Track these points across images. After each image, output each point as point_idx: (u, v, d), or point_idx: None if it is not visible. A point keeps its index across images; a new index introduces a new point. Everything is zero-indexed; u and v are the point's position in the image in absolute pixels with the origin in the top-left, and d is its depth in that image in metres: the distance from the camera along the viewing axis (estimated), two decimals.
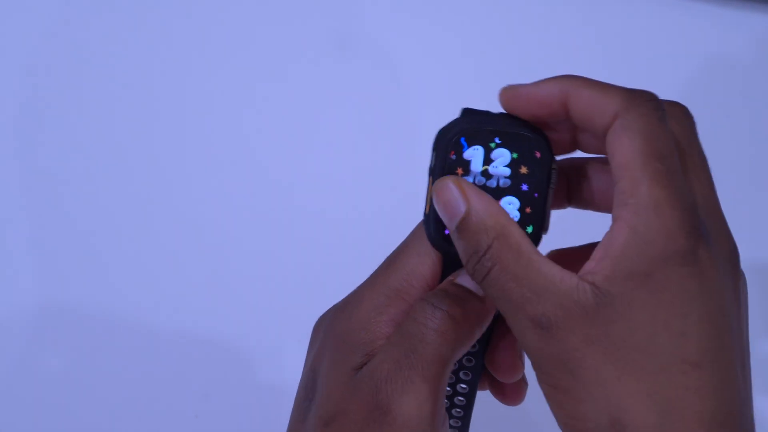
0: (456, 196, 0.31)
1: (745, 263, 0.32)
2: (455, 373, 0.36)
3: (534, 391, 0.38)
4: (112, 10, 0.62)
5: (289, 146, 0.60)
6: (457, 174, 0.33)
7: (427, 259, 0.34)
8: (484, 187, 0.33)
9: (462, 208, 0.31)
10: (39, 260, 0.56)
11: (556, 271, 0.30)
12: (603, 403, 0.29)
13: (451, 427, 0.38)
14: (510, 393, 0.37)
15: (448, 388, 0.37)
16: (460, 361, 0.36)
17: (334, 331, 0.35)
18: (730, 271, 0.31)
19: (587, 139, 0.35)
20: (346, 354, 0.34)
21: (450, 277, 0.34)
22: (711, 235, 0.30)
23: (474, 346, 0.36)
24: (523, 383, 0.37)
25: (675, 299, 0.28)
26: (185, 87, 0.60)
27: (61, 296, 0.55)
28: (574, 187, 0.36)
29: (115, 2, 0.62)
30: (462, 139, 0.33)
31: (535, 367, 0.31)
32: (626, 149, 0.30)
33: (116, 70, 0.60)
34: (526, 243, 0.31)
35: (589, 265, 0.30)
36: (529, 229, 0.33)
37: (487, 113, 0.33)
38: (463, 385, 0.37)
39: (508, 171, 0.33)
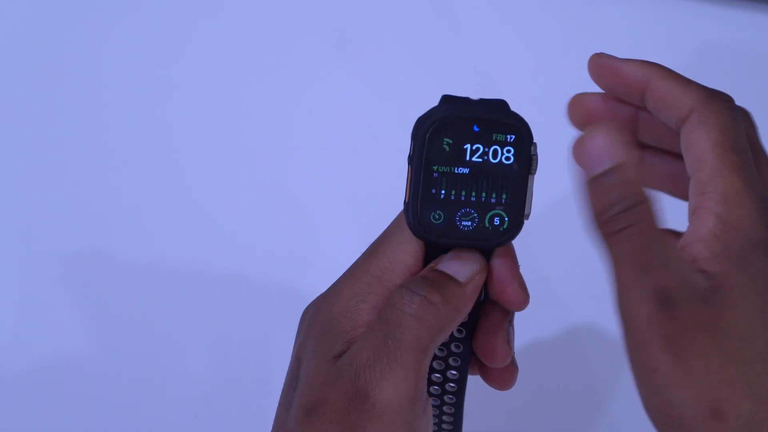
0: (608, 145, 0.31)
1: None
2: (444, 359, 0.37)
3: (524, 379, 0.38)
4: (110, 4, 0.62)
5: (287, 145, 0.60)
6: (436, 164, 0.33)
7: (408, 247, 0.35)
8: (464, 176, 0.33)
9: (611, 158, 0.31)
10: (37, 260, 0.57)
11: (677, 249, 0.30)
12: (705, 391, 0.28)
13: (444, 413, 0.38)
14: (499, 377, 0.37)
15: (438, 375, 0.37)
16: (447, 347, 0.36)
17: (317, 319, 0.35)
18: None
19: (648, 132, 0.36)
20: (328, 342, 0.34)
21: (431, 264, 0.35)
22: None
23: (461, 331, 0.36)
24: (512, 367, 0.37)
25: (767, 286, 0.29)
26: (181, 85, 0.61)
27: (60, 294, 0.56)
28: None
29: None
30: (441, 127, 0.33)
31: (636, 344, 0.30)
32: (704, 142, 0.31)
33: (115, 66, 0.61)
34: (660, 215, 0.31)
35: (686, 247, 0.30)
36: (510, 216, 0.33)
37: (466, 100, 0.34)
38: (453, 371, 0.37)
39: (488, 158, 0.33)
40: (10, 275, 0.56)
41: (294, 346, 0.37)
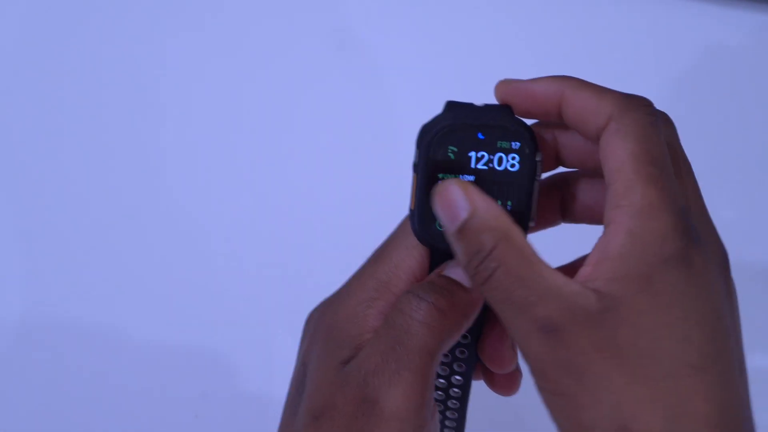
0: (459, 197, 0.31)
1: (741, 266, 0.32)
2: (449, 365, 0.37)
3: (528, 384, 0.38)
4: (110, 4, 0.62)
5: (287, 146, 0.60)
6: (442, 171, 0.33)
7: (414, 252, 0.34)
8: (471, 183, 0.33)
9: (465, 210, 0.31)
10: (33, 264, 0.57)
11: (558, 276, 0.30)
12: (610, 410, 0.28)
13: (447, 419, 0.38)
14: (504, 383, 0.37)
15: (443, 381, 0.37)
16: (452, 352, 0.36)
17: (323, 324, 0.35)
18: (722, 274, 0.30)
19: (570, 155, 0.35)
20: (335, 347, 0.34)
21: (437, 270, 0.35)
22: (701, 238, 0.30)
23: (466, 337, 0.36)
24: (517, 373, 0.37)
25: (675, 302, 0.28)
26: (180, 86, 0.61)
27: (60, 298, 0.56)
28: (566, 203, 0.36)
29: None
30: (446, 135, 0.33)
31: (537, 374, 0.30)
32: (620, 152, 0.30)
33: (115, 66, 0.61)
34: (528, 246, 0.30)
35: (586, 270, 0.30)
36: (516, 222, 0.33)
37: (470, 106, 0.33)
38: (458, 377, 0.37)
39: (493, 165, 0.33)
40: (10, 275, 0.56)
41: (299, 352, 0.36)
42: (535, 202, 0.33)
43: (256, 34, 0.62)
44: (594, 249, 0.30)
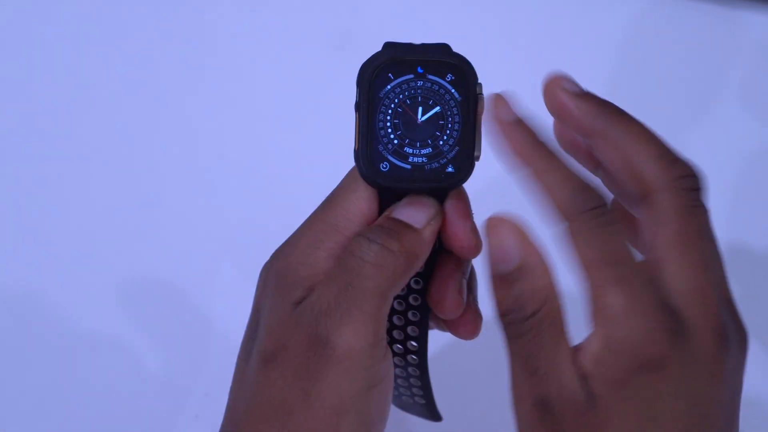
0: (511, 243, 0.31)
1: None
2: (403, 313, 0.36)
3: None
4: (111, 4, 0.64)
5: (287, 146, 0.60)
6: (380, 104, 0.33)
7: (363, 195, 0.35)
8: (412, 122, 0.33)
9: (515, 259, 0.31)
10: (39, 259, 0.58)
11: (569, 356, 0.30)
12: None
13: (411, 376, 0.38)
14: (461, 327, 0.37)
15: (399, 332, 0.37)
16: (406, 299, 0.36)
17: (275, 269, 0.36)
18: (714, 357, 0.30)
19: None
20: (287, 290, 0.34)
21: (386, 212, 0.35)
22: (690, 324, 0.29)
23: (418, 282, 0.36)
24: (474, 316, 0.37)
25: (647, 406, 0.29)
26: (182, 84, 0.61)
27: (59, 294, 0.56)
28: None
29: None
30: (385, 71, 0.34)
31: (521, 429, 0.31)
32: (583, 255, 0.30)
33: (116, 66, 0.62)
34: (562, 317, 0.31)
35: (581, 357, 0.30)
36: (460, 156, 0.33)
37: (409, 45, 0.34)
38: (414, 327, 0.37)
39: (434, 104, 0.34)
40: (10, 275, 0.57)
41: (254, 299, 0.37)
42: (479, 134, 0.34)
43: (256, 33, 0.63)
44: (583, 344, 0.30)
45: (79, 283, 0.57)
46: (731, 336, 0.30)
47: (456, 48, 0.34)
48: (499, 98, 0.32)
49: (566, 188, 0.30)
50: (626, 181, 0.31)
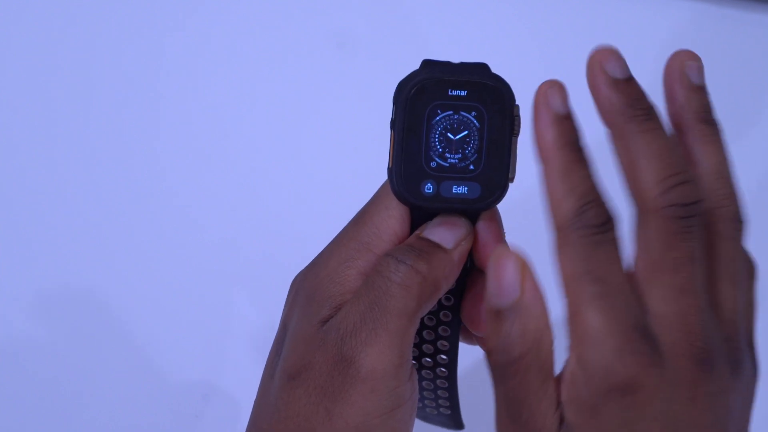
0: (512, 278, 0.30)
1: None
2: (434, 329, 0.36)
3: None
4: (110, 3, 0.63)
5: (287, 146, 0.60)
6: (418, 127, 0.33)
7: (394, 213, 0.34)
8: (449, 141, 0.33)
9: (513, 294, 0.30)
10: (38, 258, 0.57)
11: (554, 403, 0.30)
12: None
13: (439, 388, 0.38)
14: None
15: (429, 346, 0.37)
16: (437, 315, 0.36)
17: (304, 285, 0.35)
18: (692, 381, 0.29)
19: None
20: (314, 307, 0.34)
21: (417, 231, 0.34)
22: (667, 349, 0.29)
23: (449, 299, 0.36)
24: None
25: (617, 430, 0.29)
26: (182, 85, 0.61)
27: (61, 293, 0.56)
28: None
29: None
30: (422, 90, 0.33)
31: None
32: (566, 268, 0.29)
33: (115, 66, 0.61)
34: (550, 360, 0.30)
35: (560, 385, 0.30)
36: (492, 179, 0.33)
37: (447, 64, 0.34)
38: (444, 342, 0.36)
39: (472, 122, 0.33)
40: (10, 274, 0.57)
41: (282, 315, 0.36)
42: (513, 158, 0.33)
43: (256, 33, 0.62)
44: (563, 369, 0.30)
45: (79, 284, 0.56)
46: (717, 360, 0.29)
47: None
48: (556, 85, 0.30)
49: (571, 198, 0.29)
50: (627, 187, 0.31)
